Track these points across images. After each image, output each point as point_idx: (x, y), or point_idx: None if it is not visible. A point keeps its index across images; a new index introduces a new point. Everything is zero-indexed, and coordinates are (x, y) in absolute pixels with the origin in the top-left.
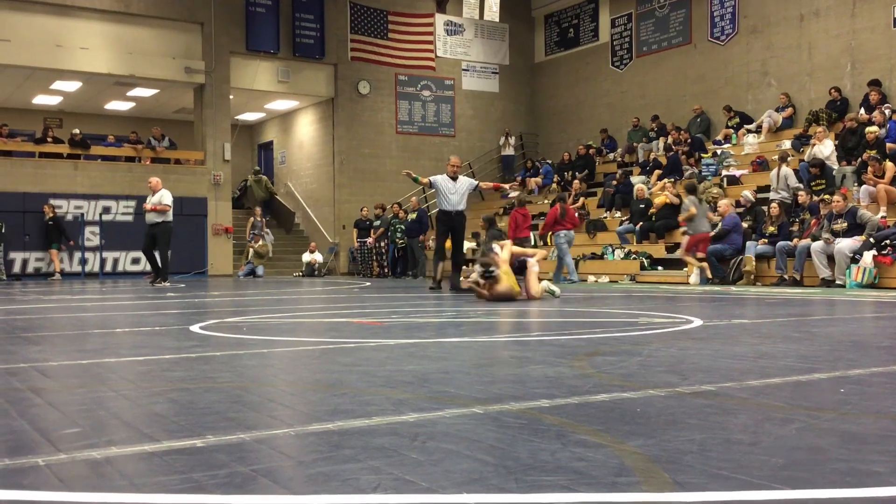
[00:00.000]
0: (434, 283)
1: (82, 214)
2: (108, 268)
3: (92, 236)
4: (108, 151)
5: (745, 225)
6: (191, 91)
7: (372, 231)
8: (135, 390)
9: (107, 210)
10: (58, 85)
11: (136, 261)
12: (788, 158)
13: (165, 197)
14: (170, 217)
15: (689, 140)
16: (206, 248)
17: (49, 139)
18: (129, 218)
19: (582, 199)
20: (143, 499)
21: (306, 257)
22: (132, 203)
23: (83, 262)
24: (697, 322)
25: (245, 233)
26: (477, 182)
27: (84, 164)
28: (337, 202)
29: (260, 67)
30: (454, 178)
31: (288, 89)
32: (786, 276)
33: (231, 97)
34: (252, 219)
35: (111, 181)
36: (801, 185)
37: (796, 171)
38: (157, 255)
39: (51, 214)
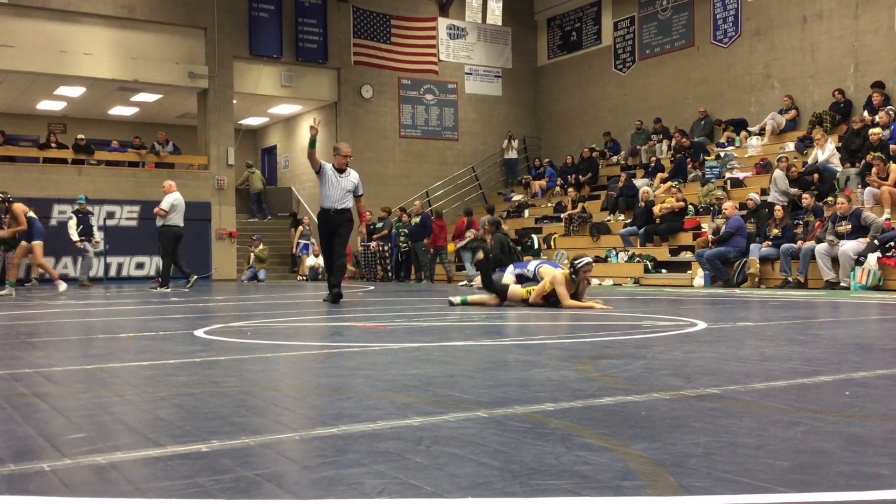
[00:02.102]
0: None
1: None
2: (113, 273)
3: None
4: (112, 157)
5: (749, 227)
6: (194, 96)
7: (375, 235)
8: (139, 395)
9: (111, 215)
10: (62, 90)
11: (140, 266)
12: (777, 161)
13: (164, 201)
14: (172, 221)
15: (690, 145)
16: (209, 253)
17: (53, 144)
18: (134, 223)
19: (581, 204)
20: None
21: (310, 261)
22: (136, 208)
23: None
24: (702, 325)
25: (292, 246)
26: (361, 191)
27: (88, 169)
28: None
29: (263, 72)
30: (341, 171)
31: (291, 94)
32: (790, 279)
33: (234, 102)
34: (300, 228)
35: (115, 186)
36: (790, 189)
37: (800, 174)
38: (170, 259)
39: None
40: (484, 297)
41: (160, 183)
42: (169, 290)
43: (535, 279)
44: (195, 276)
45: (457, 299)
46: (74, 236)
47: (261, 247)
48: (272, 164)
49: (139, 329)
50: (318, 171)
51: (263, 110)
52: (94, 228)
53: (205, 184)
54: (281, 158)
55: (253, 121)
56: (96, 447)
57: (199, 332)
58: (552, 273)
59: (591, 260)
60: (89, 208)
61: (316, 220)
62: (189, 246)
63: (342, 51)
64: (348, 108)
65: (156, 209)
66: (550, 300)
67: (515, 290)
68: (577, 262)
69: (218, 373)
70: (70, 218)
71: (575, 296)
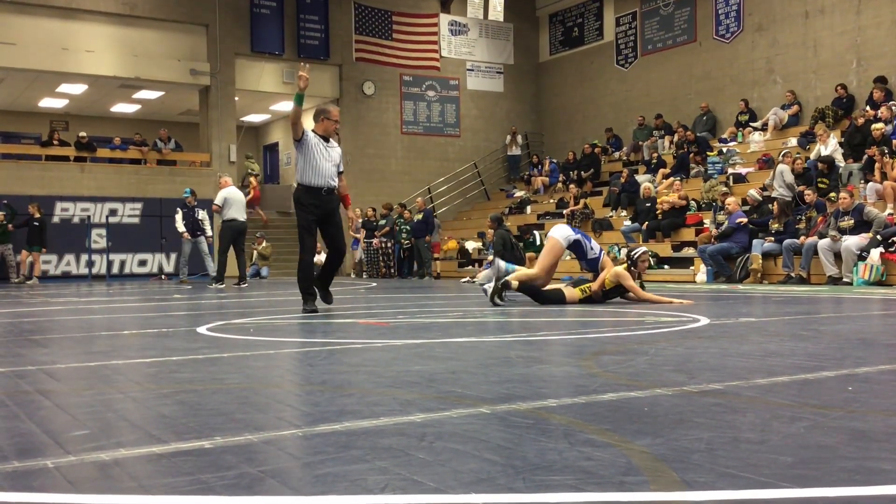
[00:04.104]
0: (309, 306)
1: (89, 217)
2: (115, 270)
3: (99, 238)
4: (114, 154)
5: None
6: (196, 93)
7: (377, 231)
8: (142, 392)
9: (113, 212)
10: (64, 88)
11: (142, 263)
12: (782, 156)
13: (217, 196)
14: (229, 216)
15: (694, 139)
16: (212, 250)
17: (55, 142)
18: (136, 220)
19: (583, 200)
20: (151, 500)
21: None
22: (138, 205)
23: (90, 264)
24: (704, 321)
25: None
26: (343, 167)
27: (90, 166)
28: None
29: (265, 69)
30: (326, 140)
31: (293, 90)
32: (792, 274)
33: (236, 99)
34: (359, 219)
35: (117, 183)
36: (794, 183)
37: (805, 170)
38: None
39: (37, 215)
40: (526, 272)
41: (162, 180)
42: (223, 286)
43: (597, 260)
44: (247, 280)
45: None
46: (181, 228)
47: (264, 244)
48: (274, 161)
49: (142, 326)
50: (301, 138)
51: (265, 107)
52: (205, 223)
53: (207, 181)
54: (283, 155)
55: (255, 118)
56: (100, 444)
57: (202, 329)
58: (615, 270)
59: (646, 250)
60: (195, 202)
61: (294, 203)
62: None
63: (344, 47)
64: (350, 104)
65: (213, 206)
66: (610, 294)
67: (572, 294)
68: (633, 253)
69: (221, 369)
70: (176, 212)
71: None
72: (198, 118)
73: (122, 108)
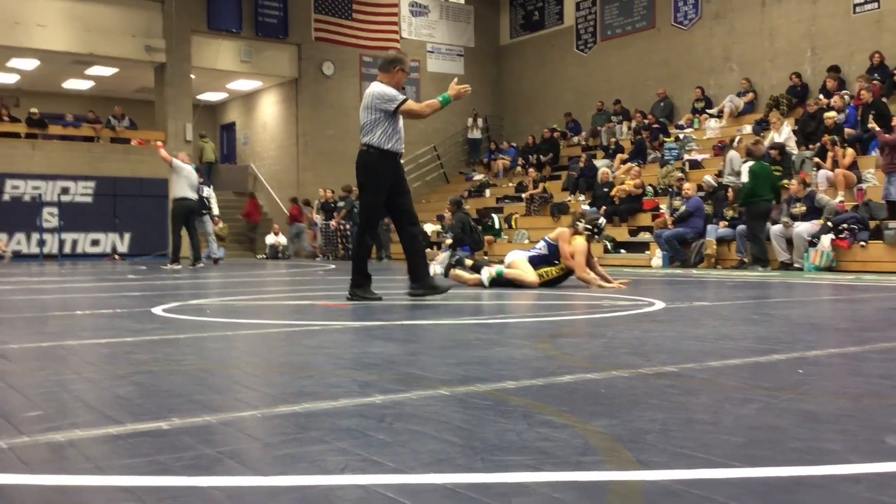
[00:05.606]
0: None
1: (40, 195)
2: (68, 249)
3: (50, 217)
4: (67, 131)
5: (706, 209)
6: (151, 70)
7: (336, 213)
8: (97, 373)
9: (65, 191)
10: (14, 63)
11: (95, 242)
12: (736, 143)
13: (175, 162)
14: (177, 194)
15: (656, 124)
16: (166, 230)
17: (5, 118)
18: (89, 199)
19: (542, 184)
20: (108, 481)
21: (270, 239)
22: (91, 184)
23: (41, 243)
24: (660, 305)
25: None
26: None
27: (42, 143)
28: (301, 184)
29: (222, 47)
30: None
31: (251, 69)
32: (746, 260)
33: (192, 77)
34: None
35: (69, 161)
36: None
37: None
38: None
39: None
40: (523, 274)
41: (115, 158)
42: (179, 266)
43: (551, 254)
44: (202, 260)
45: (488, 273)
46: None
47: (220, 225)
48: (231, 141)
49: (96, 306)
50: (403, 101)
51: (222, 86)
52: (211, 200)
53: (162, 160)
54: (240, 135)
55: (211, 96)
56: (54, 425)
57: (158, 310)
58: (578, 244)
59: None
60: (201, 178)
61: (366, 172)
62: (145, 223)
63: (303, 26)
64: (309, 84)
65: (163, 153)
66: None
67: (532, 278)
68: (599, 220)
69: (177, 351)
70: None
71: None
72: (153, 96)
73: (75, 84)
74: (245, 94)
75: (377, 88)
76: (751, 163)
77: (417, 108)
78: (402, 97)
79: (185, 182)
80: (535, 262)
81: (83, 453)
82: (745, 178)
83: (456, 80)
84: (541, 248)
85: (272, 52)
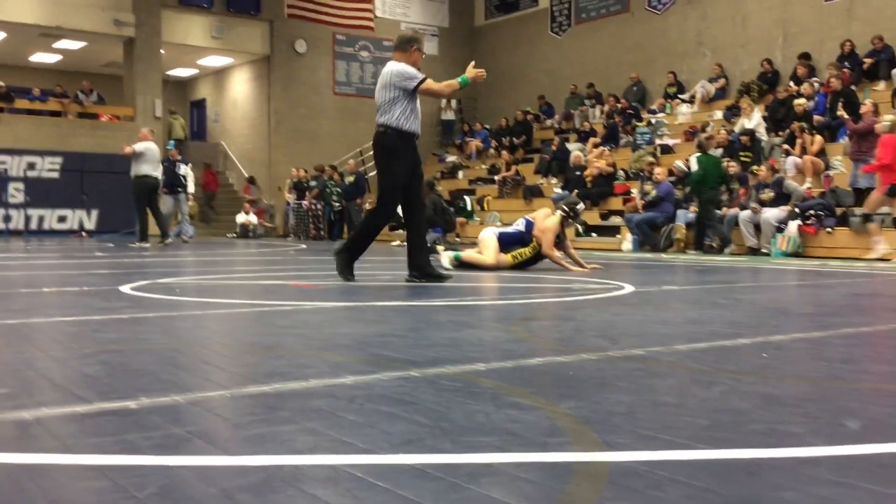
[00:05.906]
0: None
1: (6, 170)
2: (34, 226)
3: (16, 192)
4: (34, 105)
5: (677, 194)
6: (120, 44)
7: (308, 193)
8: (64, 351)
9: (31, 166)
10: None
11: (62, 219)
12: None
13: (138, 145)
14: (140, 171)
15: (629, 109)
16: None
17: None
18: (56, 175)
19: (514, 167)
20: (75, 460)
21: (240, 218)
22: (58, 159)
23: (7, 219)
24: (629, 288)
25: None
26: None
27: (7, 117)
28: (272, 163)
29: (193, 22)
30: None
31: (222, 45)
32: (714, 245)
33: (162, 52)
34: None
35: (36, 136)
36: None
37: (729, 143)
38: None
39: None
40: (479, 257)
41: (83, 133)
42: (148, 244)
43: (527, 231)
44: (171, 236)
45: (447, 257)
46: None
47: (190, 203)
48: (201, 118)
49: (62, 284)
50: (423, 80)
51: (192, 61)
52: (188, 178)
53: (131, 136)
54: (211, 112)
55: (182, 72)
56: (20, 403)
57: (126, 288)
58: (551, 221)
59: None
60: (179, 157)
61: (387, 153)
62: (113, 200)
63: (275, 3)
64: (281, 62)
65: (126, 148)
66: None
67: (503, 259)
68: (578, 206)
69: (146, 329)
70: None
71: (560, 248)
72: (122, 71)
73: (42, 57)
74: (216, 70)
75: (396, 67)
76: (698, 154)
77: (437, 87)
78: (422, 76)
79: (146, 160)
80: (509, 241)
81: (50, 431)
82: (694, 167)
83: (473, 63)
84: (519, 225)
85: (244, 28)
